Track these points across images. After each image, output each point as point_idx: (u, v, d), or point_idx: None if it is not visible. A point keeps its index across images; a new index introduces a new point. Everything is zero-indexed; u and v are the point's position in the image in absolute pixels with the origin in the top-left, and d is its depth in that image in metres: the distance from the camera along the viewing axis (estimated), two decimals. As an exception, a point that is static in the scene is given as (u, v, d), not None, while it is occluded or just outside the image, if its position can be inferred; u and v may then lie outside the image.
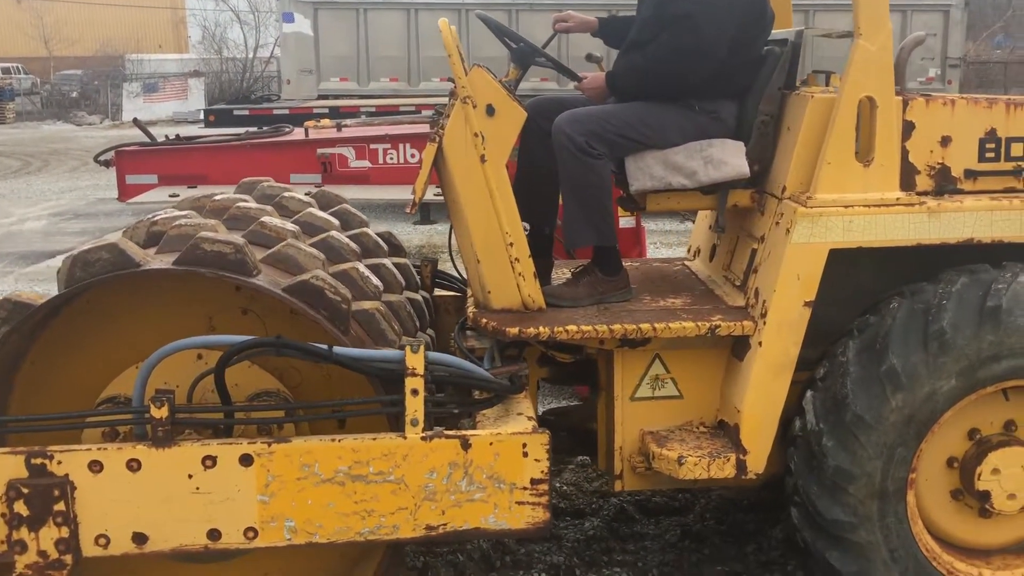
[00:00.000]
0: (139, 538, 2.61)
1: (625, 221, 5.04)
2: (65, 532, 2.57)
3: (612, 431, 3.19)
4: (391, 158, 7.53)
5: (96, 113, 32.38)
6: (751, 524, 3.86)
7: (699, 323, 2.99)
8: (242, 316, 2.86)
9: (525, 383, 2.93)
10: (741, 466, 2.95)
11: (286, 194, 3.38)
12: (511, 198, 3.04)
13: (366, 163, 7.47)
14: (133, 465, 2.57)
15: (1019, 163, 2.97)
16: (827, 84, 3.19)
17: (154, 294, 2.84)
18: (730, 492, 4.08)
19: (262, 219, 2.97)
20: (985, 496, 2.86)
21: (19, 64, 37.40)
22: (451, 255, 3.79)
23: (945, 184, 2.93)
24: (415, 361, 2.60)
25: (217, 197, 3.24)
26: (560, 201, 3.31)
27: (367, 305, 2.87)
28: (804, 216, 2.85)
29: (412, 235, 10.10)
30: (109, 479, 2.57)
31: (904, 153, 2.91)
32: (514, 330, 2.99)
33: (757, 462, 2.95)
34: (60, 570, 2.59)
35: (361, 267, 3.00)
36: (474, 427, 2.78)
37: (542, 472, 2.66)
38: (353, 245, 3.15)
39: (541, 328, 2.99)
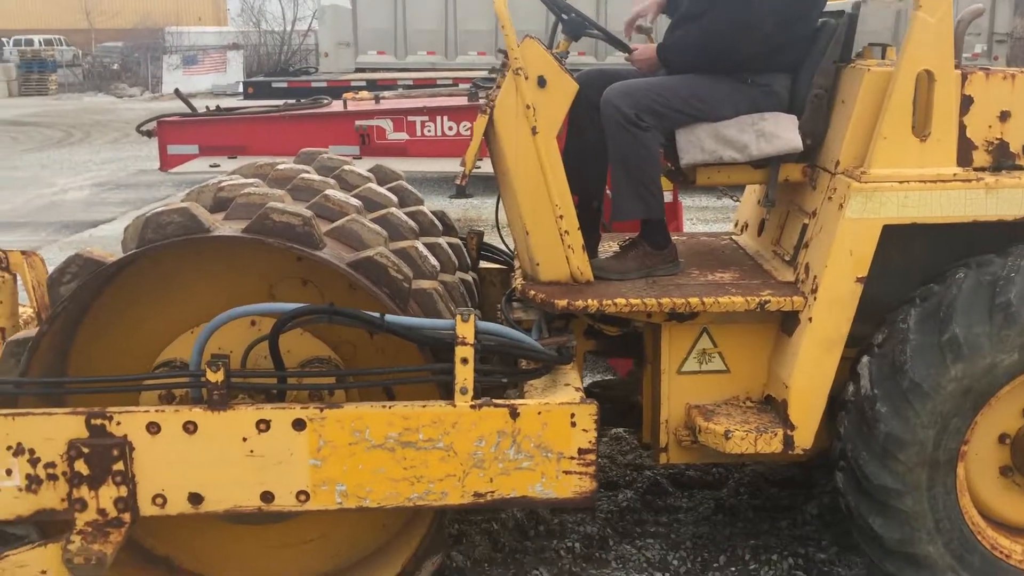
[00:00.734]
0: (195, 498, 2.67)
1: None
2: (123, 491, 2.63)
3: (658, 404, 3.20)
4: (429, 131, 7.53)
5: (136, 85, 32.68)
6: (784, 499, 3.87)
7: (748, 298, 2.98)
8: (302, 287, 2.89)
9: (573, 354, 2.94)
10: (788, 441, 2.95)
11: (346, 167, 3.39)
12: (561, 170, 3.04)
13: (404, 135, 7.49)
14: (189, 427, 2.62)
15: (1079, 139, 2.92)
16: (883, 57, 3.15)
17: (216, 260, 2.87)
18: (763, 467, 4.09)
19: (326, 192, 2.99)
20: (1037, 474, 2.85)
21: (61, 36, 37.79)
22: (498, 227, 3.80)
23: (1003, 160, 2.89)
24: (466, 330, 2.63)
25: (280, 167, 3.25)
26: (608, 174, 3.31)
27: (425, 284, 2.89)
28: (858, 191, 2.83)
29: (448, 209, 10.12)
30: (166, 440, 2.62)
31: (962, 128, 2.87)
32: (562, 302, 3.00)
33: (805, 438, 2.95)
34: (119, 528, 2.65)
35: (420, 246, 3.02)
36: (521, 397, 2.80)
37: (590, 442, 2.67)
38: (411, 223, 3.17)
39: (590, 300, 2.99)
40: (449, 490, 2.69)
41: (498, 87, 3.16)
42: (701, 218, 9.63)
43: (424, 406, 2.66)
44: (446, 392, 2.73)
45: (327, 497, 2.69)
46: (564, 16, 3.30)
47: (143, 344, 2.91)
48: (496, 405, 2.66)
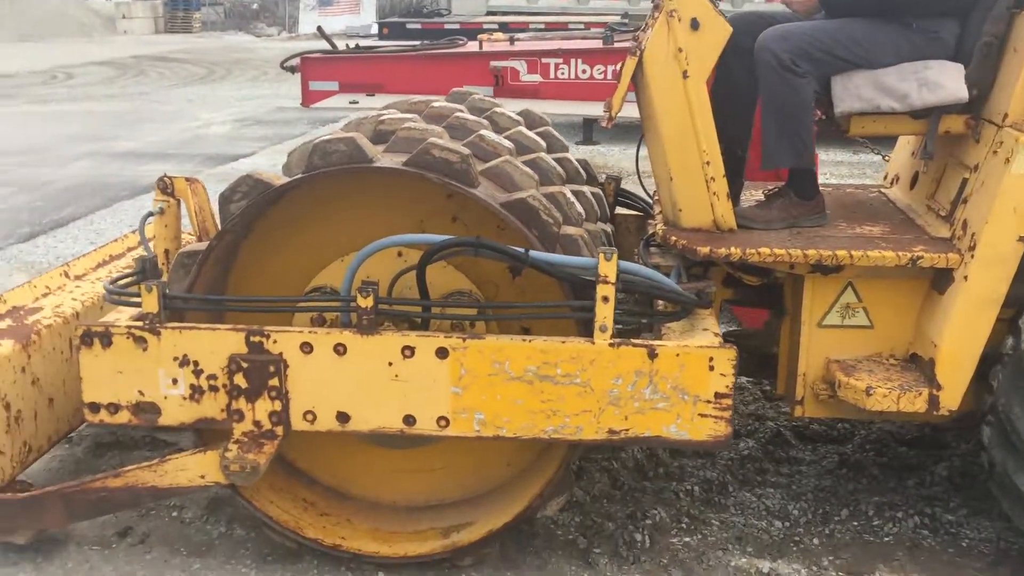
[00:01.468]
0: (342, 417, 2.80)
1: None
2: (278, 405, 2.79)
3: (796, 357, 3.16)
4: (562, 73, 7.51)
5: (274, 25, 33.55)
6: (912, 459, 3.79)
7: (900, 253, 2.90)
8: (451, 223, 2.97)
9: (712, 300, 2.94)
10: (934, 401, 2.87)
11: (497, 109, 3.42)
12: (710, 116, 3.00)
13: (537, 77, 7.50)
14: (339, 349, 2.75)
15: None
16: (1062, 3, 2.97)
17: (371, 191, 2.97)
18: (891, 426, 4.00)
19: (480, 132, 3.03)
20: None
21: (205, -25, 39.00)
22: (638, 172, 3.79)
23: None
24: (608, 269, 2.65)
25: (435, 104, 3.31)
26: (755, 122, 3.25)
27: (572, 231, 2.91)
28: (1028, 145, 2.70)
29: (574, 155, 10.12)
30: (317, 360, 2.76)
31: None
32: (705, 249, 2.98)
33: (952, 398, 2.87)
34: (272, 440, 2.82)
35: (567, 192, 3.05)
36: (659, 339, 2.82)
37: (727, 387, 2.68)
38: (559, 169, 3.19)
39: (732, 248, 2.97)
40: (584, 425, 2.74)
41: (649, 29, 3.13)
42: (835, 173, 9.31)
43: (564, 342, 2.71)
44: (585, 330, 2.77)
45: (465, 424, 2.78)
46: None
47: (297, 268, 3.05)
48: (635, 345, 2.69)
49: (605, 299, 2.66)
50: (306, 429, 2.82)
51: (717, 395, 2.68)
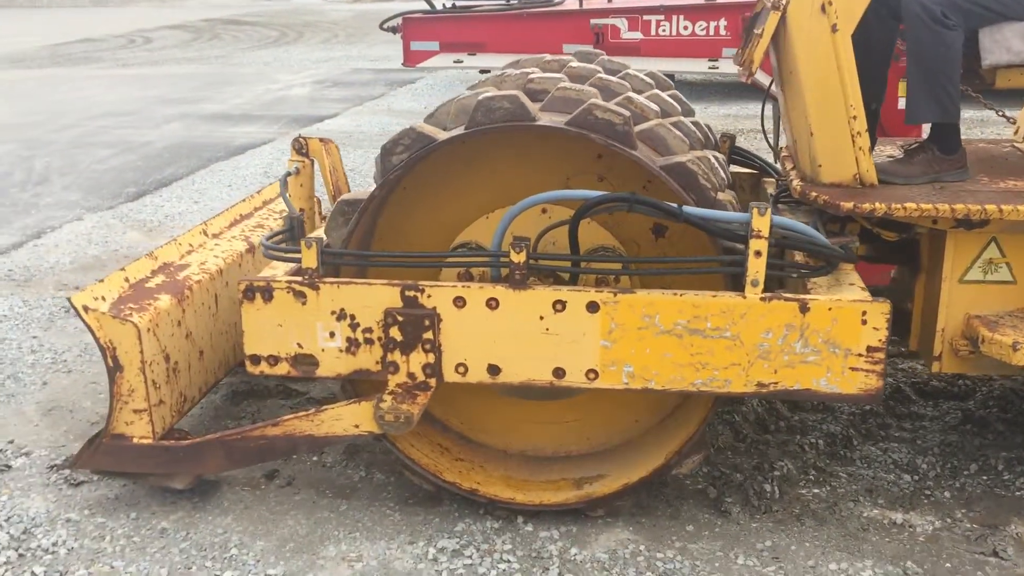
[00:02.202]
0: (493, 369, 2.88)
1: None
2: (431, 358, 2.88)
3: (933, 313, 3.15)
4: (663, 30, 7.45)
5: (339, -12, 33.62)
6: (1038, 416, 3.78)
7: (1051, 206, 2.87)
8: (598, 183, 3.01)
9: (857, 254, 2.94)
10: (1083, 357, 2.85)
11: (629, 71, 3.42)
12: (855, 70, 2.98)
13: (638, 34, 7.44)
14: (492, 303, 2.82)
15: None
16: None
17: (519, 149, 3.01)
18: (1013, 382, 3.98)
19: (628, 94, 3.04)
20: None
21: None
22: (764, 130, 3.78)
23: None
24: (761, 223, 2.67)
25: (572, 64, 3.33)
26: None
27: (722, 196, 2.93)
28: None
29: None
30: (470, 314, 2.84)
31: None
32: (848, 204, 2.98)
33: (1102, 353, 2.85)
34: (425, 391, 2.92)
35: (712, 156, 3.06)
36: (805, 293, 2.84)
37: (880, 340, 2.69)
38: (698, 133, 3.20)
39: (877, 204, 2.96)
40: (732, 378, 2.79)
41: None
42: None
43: (715, 295, 2.75)
44: (734, 284, 2.80)
45: (614, 377, 2.84)
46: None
47: (441, 224, 3.13)
48: (787, 299, 2.72)
49: (758, 253, 2.69)
50: (458, 381, 2.91)
51: (869, 348, 2.70)
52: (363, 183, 7.32)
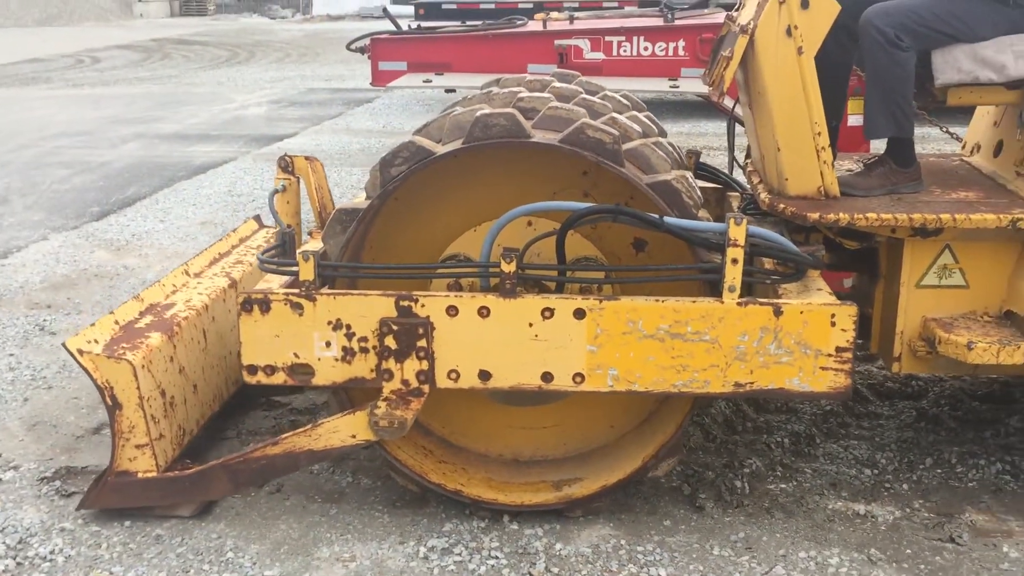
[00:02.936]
0: (484, 375, 3.01)
1: (855, 120, 5.06)
2: (425, 365, 3.00)
3: (893, 317, 3.36)
4: (624, 51, 7.68)
5: (288, 7, 33.67)
6: (986, 412, 4.01)
7: (1000, 216, 3.09)
8: (583, 198, 3.16)
9: (824, 261, 3.14)
10: (1031, 354, 3.07)
11: (607, 92, 3.57)
12: (818, 90, 3.19)
13: (600, 55, 7.67)
14: (483, 312, 2.96)
15: None
16: None
17: (508, 165, 3.14)
18: (963, 382, 4.23)
19: (612, 115, 3.19)
20: None
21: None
22: (730, 146, 3.98)
23: None
24: (738, 233, 2.85)
25: (555, 84, 3.48)
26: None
27: (702, 213, 3.10)
28: None
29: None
30: (462, 322, 2.97)
31: None
32: (814, 215, 3.18)
33: (1049, 352, 3.07)
34: (419, 397, 3.04)
35: (689, 176, 3.23)
36: (778, 298, 3.02)
37: (847, 341, 2.88)
38: (676, 153, 3.37)
39: (841, 214, 3.16)
40: (712, 379, 2.95)
41: (744, 8, 3.32)
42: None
43: (694, 301, 2.92)
44: (712, 290, 2.97)
45: (600, 380, 2.99)
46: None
47: (432, 235, 3.25)
48: (762, 303, 2.89)
49: (734, 261, 2.86)
50: (450, 387, 3.04)
51: (838, 349, 2.89)
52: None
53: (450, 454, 3.46)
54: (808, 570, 3.03)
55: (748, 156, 3.94)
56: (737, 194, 3.96)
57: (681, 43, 7.67)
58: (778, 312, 2.89)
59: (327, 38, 23.78)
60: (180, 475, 3.25)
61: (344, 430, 3.12)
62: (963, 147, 3.98)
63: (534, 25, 7.97)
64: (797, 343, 2.90)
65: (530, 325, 2.96)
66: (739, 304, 2.90)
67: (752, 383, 2.95)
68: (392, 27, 8.04)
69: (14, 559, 3.08)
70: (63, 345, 3.22)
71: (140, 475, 3.21)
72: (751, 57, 3.25)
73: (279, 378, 3.07)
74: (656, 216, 2.89)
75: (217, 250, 4.22)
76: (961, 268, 3.27)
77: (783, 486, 3.50)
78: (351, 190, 7.68)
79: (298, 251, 3.03)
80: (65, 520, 3.29)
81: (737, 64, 3.25)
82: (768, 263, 3.16)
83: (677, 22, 7.81)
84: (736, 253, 2.87)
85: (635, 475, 3.26)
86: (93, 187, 8.27)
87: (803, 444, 3.79)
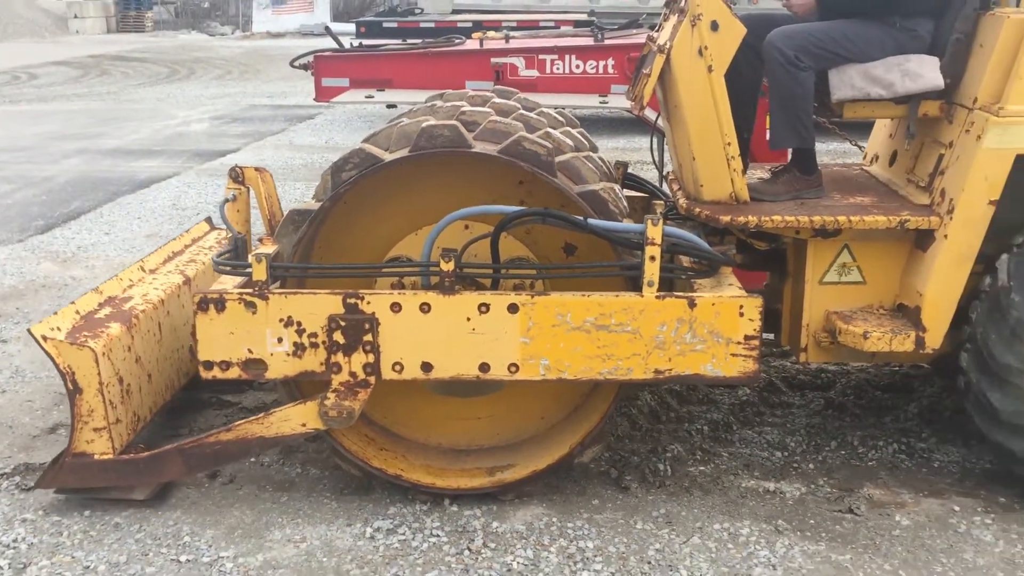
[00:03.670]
0: (426, 366, 3.26)
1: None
2: (371, 358, 3.23)
3: (799, 311, 3.68)
4: (557, 68, 8.03)
5: (227, 24, 33.54)
6: (887, 400, 4.39)
7: (890, 217, 3.44)
8: (519, 205, 3.42)
9: (735, 259, 3.45)
10: (920, 342, 3.41)
11: (543, 109, 3.84)
12: (728, 104, 3.51)
13: (534, 72, 8.01)
14: (424, 308, 3.20)
15: None
16: (1017, 5, 3.53)
17: (454, 173, 3.39)
18: (867, 374, 4.61)
19: (547, 130, 3.46)
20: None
21: (154, -26, 38.71)
22: (652, 156, 4.29)
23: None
24: (655, 232, 3.15)
25: (495, 100, 3.75)
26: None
27: (627, 221, 3.39)
28: (995, 124, 3.25)
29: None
30: (405, 318, 3.21)
31: (1088, 70, 3.27)
32: (727, 218, 3.49)
33: (935, 339, 3.41)
34: (365, 388, 3.27)
35: (616, 188, 3.52)
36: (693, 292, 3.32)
37: (754, 330, 3.19)
38: (605, 166, 3.67)
39: (750, 217, 3.48)
40: (634, 367, 3.24)
41: (663, 29, 3.64)
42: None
43: (617, 296, 3.21)
44: (633, 285, 3.27)
45: (533, 369, 3.26)
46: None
47: (377, 237, 3.50)
48: (678, 296, 3.19)
49: (652, 258, 3.16)
50: (395, 378, 3.28)
51: (746, 337, 3.20)
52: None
53: (391, 442, 3.70)
54: (721, 539, 3.33)
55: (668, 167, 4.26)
56: (662, 202, 4.27)
57: (610, 61, 8.07)
58: (692, 304, 3.19)
59: (268, 55, 23.80)
60: (135, 457, 3.43)
61: (295, 419, 3.34)
62: (864, 157, 4.35)
63: (471, 44, 8.29)
64: (710, 332, 3.20)
65: (468, 319, 3.21)
66: (658, 297, 3.19)
67: (671, 369, 3.24)
68: (335, 45, 8.31)
69: (-22, 548, 3.23)
70: (28, 331, 3.38)
71: (97, 457, 3.38)
72: (668, 75, 3.55)
73: (234, 372, 3.27)
74: (581, 218, 3.17)
75: (171, 248, 4.40)
76: (859, 266, 3.61)
77: (702, 468, 3.81)
78: (294, 204, 7.86)
79: (251, 253, 3.24)
80: (26, 511, 3.45)
81: (656, 81, 3.56)
82: (686, 261, 3.46)
83: (607, 42, 8.22)
84: (654, 251, 3.16)
85: (563, 461, 3.53)
86: (36, 201, 8.33)
87: (721, 431, 4.11)
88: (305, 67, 7.93)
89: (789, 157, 3.95)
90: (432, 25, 13.65)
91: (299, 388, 3.45)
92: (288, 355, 3.25)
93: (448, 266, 3.17)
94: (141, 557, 3.20)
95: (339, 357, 3.23)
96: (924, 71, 3.49)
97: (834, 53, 3.54)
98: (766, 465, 3.85)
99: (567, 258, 3.54)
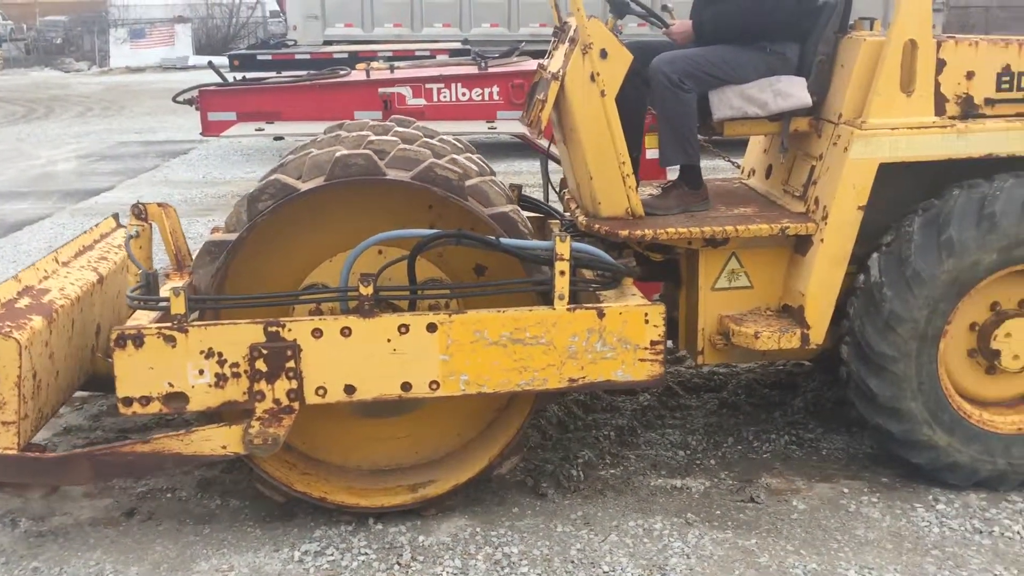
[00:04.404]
0: (349, 389, 3.34)
1: (653, 153, 5.76)
2: (294, 384, 3.29)
3: (695, 317, 3.93)
4: (444, 96, 8.21)
5: (83, 60, 32.39)
6: (775, 397, 4.72)
7: (772, 225, 3.73)
8: (429, 229, 3.56)
9: (636, 271, 3.68)
10: (805, 339, 3.71)
11: (443, 136, 3.98)
12: (620, 126, 3.74)
13: (422, 101, 8.17)
14: (345, 332, 3.29)
15: (1029, 93, 3.71)
16: (871, 28, 3.91)
17: (365, 200, 3.48)
18: (755, 374, 4.95)
19: (453, 156, 3.60)
20: (995, 355, 3.67)
21: None
22: (545, 178, 4.49)
23: (969, 110, 3.67)
24: (563, 248, 3.34)
25: (398, 129, 3.87)
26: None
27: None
28: (859, 137, 3.59)
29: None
30: (327, 343, 3.29)
31: (937, 85, 3.64)
32: (625, 232, 3.72)
33: (818, 335, 3.72)
34: (289, 415, 3.33)
35: (520, 209, 3.70)
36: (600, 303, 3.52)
37: (659, 335, 3.41)
38: (507, 190, 3.84)
39: (647, 231, 3.72)
40: (549, 377, 3.41)
41: (553, 57, 3.86)
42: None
43: (531, 310, 3.38)
44: (544, 300, 3.44)
45: (453, 385, 3.38)
46: (612, -2, 4.00)
47: (292, 266, 3.56)
48: (587, 308, 3.39)
49: (562, 273, 3.34)
50: (318, 403, 3.34)
51: (652, 342, 3.41)
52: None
53: (312, 467, 3.75)
54: (637, 535, 3.53)
55: (564, 187, 4.47)
56: (557, 221, 4.48)
57: (496, 88, 8.33)
58: (601, 315, 3.39)
59: (130, 90, 23.16)
60: (42, 456, 3.33)
61: (217, 440, 3.35)
62: (742, 172, 4.68)
63: (358, 74, 8.39)
64: (619, 340, 3.41)
65: (388, 341, 3.32)
66: (569, 310, 3.37)
67: (584, 377, 3.43)
68: (217, 79, 8.25)
69: None
70: None
71: (1, 451, 3.28)
72: (562, 100, 3.76)
73: (154, 407, 3.27)
74: (492, 237, 3.33)
75: (81, 242, 4.34)
76: (746, 271, 3.89)
77: (612, 471, 4.01)
78: (207, 236, 7.73)
79: (165, 287, 3.25)
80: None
81: (551, 106, 3.76)
82: (589, 274, 3.66)
83: (491, 69, 8.48)
84: (563, 266, 3.35)
85: (482, 473, 3.66)
86: (-99, 248, 7.92)
87: (627, 435, 4.33)
88: (189, 102, 7.85)
89: (667, 176, 4.23)
90: (308, 57, 13.63)
91: (219, 413, 3.47)
92: (210, 386, 3.27)
93: (367, 290, 3.27)
94: (67, 600, 3.16)
95: (262, 385, 3.28)
96: (793, 90, 3.81)
97: (713, 76, 3.83)
98: (671, 464, 4.08)
99: (478, 278, 3.69)
